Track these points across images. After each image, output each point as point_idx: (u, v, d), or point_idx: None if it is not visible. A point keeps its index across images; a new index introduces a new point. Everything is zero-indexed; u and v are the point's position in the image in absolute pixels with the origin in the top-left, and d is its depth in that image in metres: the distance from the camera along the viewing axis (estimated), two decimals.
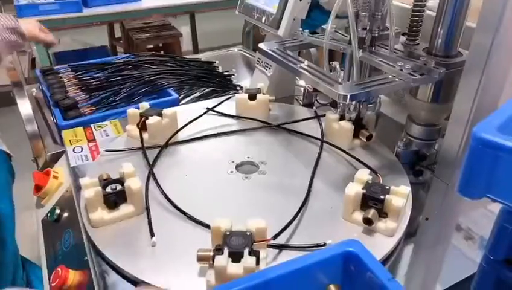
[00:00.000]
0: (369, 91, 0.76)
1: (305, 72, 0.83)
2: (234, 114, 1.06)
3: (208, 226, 0.70)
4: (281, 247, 0.67)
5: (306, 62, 0.86)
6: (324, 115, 0.99)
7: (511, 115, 0.42)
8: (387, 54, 0.86)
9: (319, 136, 0.97)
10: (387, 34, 0.88)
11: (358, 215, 0.71)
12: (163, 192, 0.79)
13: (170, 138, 0.96)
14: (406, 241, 0.74)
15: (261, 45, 0.98)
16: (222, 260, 0.58)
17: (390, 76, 0.80)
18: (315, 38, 0.97)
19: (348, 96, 0.73)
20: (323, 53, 0.88)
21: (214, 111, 1.08)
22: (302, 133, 0.99)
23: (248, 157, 0.91)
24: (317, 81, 0.79)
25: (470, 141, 0.40)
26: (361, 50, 0.86)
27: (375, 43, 0.89)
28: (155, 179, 0.83)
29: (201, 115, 1.05)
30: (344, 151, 0.90)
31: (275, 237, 0.67)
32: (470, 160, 0.41)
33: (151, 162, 0.87)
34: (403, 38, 0.94)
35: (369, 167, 0.82)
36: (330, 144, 0.93)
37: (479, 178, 0.41)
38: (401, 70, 0.79)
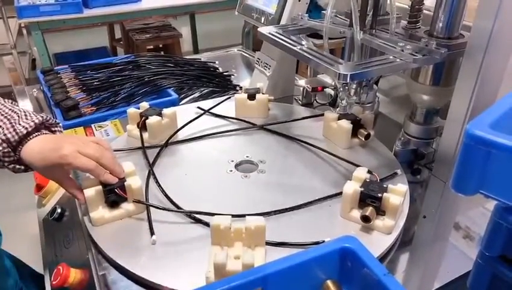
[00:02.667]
0: (370, 71, 0.75)
1: (305, 54, 0.81)
2: (233, 114, 1.07)
3: (207, 224, 0.71)
4: (280, 244, 0.68)
5: (306, 44, 0.85)
6: (322, 114, 1.00)
7: (503, 113, 0.43)
8: (388, 36, 0.85)
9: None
10: (387, 18, 0.87)
11: (356, 214, 0.72)
12: (163, 191, 0.80)
13: (170, 137, 0.97)
14: (404, 239, 0.75)
15: (261, 29, 0.96)
16: (221, 256, 0.59)
17: (391, 57, 0.78)
18: (315, 22, 0.96)
19: (349, 76, 0.72)
20: (324, 37, 0.87)
21: (211, 113, 1.08)
22: (293, 138, 0.99)
23: (247, 157, 0.92)
24: (317, 62, 0.78)
25: (463, 138, 0.41)
26: (361, 32, 0.85)
27: (376, 27, 0.88)
28: (155, 177, 0.83)
29: (200, 116, 1.06)
30: (335, 156, 0.90)
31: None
32: (463, 157, 0.42)
33: (151, 162, 0.88)
34: (403, 23, 0.93)
35: (356, 165, 0.82)
36: (323, 150, 0.93)
37: (472, 174, 0.42)
38: (402, 50, 0.77)
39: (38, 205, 0.95)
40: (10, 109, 0.74)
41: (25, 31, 3.53)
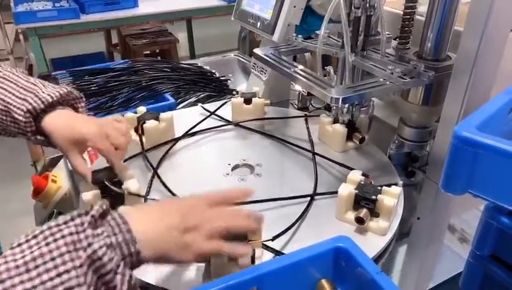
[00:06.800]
0: (361, 94, 0.78)
1: (299, 77, 0.84)
2: (230, 117, 1.08)
3: None
4: (276, 253, 0.68)
5: (300, 67, 0.88)
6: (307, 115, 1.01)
7: (490, 115, 0.44)
8: (379, 58, 0.88)
9: (312, 140, 0.99)
10: (378, 38, 0.90)
11: (351, 215, 0.73)
12: (170, 190, 0.81)
13: (175, 143, 0.97)
14: (399, 240, 0.76)
15: (256, 50, 0.99)
16: (217, 257, 0.60)
17: (381, 79, 0.81)
18: (309, 43, 0.99)
19: (340, 99, 0.75)
20: (317, 58, 0.90)
21: (216, 115, 1.10)
22: (289, 142, 1.00)
23: (244, 160, 0.93)
24: (310, 85, 0.81)
25: (451, 139, 0.43)
26: (353, 54, 0.88)
27: (367, 48, 0.91)
28: (160, 179, 0.85)
29: (205, 118, 1.07)
30: (330, 160, 0.91)
31: (274, 238, 0.68)
32: (451, 157, 0.43)
33: (155, 165, 0.89)
34: (394, 43, 0.97)
35: (351, 169, 0.84)
36: (318, 154, 0.94)
37: (460, 174, 0.43)
38: (392, 73, 0.80)
39: (36, 209, 0.96)
40: (29, 82, 0.74)
41: (21, 37, 3.54)
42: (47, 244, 0.42)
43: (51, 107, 0.73)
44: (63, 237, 0.42)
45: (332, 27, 0.95)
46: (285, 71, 0.88)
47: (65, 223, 0.44)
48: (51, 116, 0.73)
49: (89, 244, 0.42)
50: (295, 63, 0.92)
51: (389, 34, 0.95)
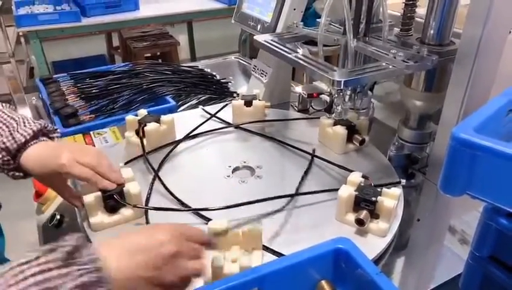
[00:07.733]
0: (364, 77, 0.77)
1: (301, 62, 0.83)
2: (230, 120, 1.09)
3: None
4: (275, 253, 0.69)
5: (301, 51, 0.87)
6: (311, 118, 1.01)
7: (488, 117, 0.45)
8: (381, 43, 0.87)
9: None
10: (380, 26, 0.89)
11: (351, 217, 0.74)
12: (171, 193, 0.82)
13: (175, 145, 0.98)
14: (400, 242, 0.76)
15: (257, 37, 0.98)
16: (218, 260, 0.60)
17: (384, 63, 0.80)
18: (310, 30, 0.98)
19: (342, 82, 0.74)
20: (318, 46, 0.89)
21: (217, 117, 1.10)
22: (287, 144, 1.00)
23: (244, 162, 0.93)
24: (312, 69, 0.79)
25: (450, 141, 0.43)
26: (355, 40, 0.87)
27: (369, 35, 0.90)
28: (162, 182, 0.85)
29: (206, 121, 1.08)
30: (330, 162, 0.91)
31: None
32: (449, 159, 0.43)
33: (156, 168, 0.90)
34: (396, 31, 0.95)
35: (350, 171, 0.84)
36: (318, 157, 0.94)
37: (459, 176, 0.43)
38: (395, 57, 0.79)
39: (38, 211, 0.96)
40: (9, 116, 0.75)
41: (23, 40, 3.55)
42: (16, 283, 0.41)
43: (26, 144, 0.73)
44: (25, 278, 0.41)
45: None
46: (287, 57, 0.87)
47: (28, 262, 0.43)
48: (27, 154, 0.72)
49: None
50: (298, 49, 0.89)
51: (391, 22, 0.93)
